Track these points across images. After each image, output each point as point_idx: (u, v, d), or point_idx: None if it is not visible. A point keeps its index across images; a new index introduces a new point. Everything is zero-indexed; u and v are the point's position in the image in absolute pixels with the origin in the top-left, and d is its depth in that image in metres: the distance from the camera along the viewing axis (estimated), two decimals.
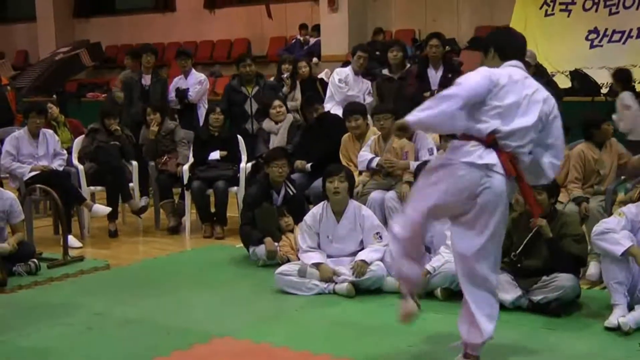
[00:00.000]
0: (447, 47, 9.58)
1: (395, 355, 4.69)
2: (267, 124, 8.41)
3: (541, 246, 5.39)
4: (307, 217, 6.22)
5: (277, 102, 8.41)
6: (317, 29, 15.57)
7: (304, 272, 5.94)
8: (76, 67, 17.78)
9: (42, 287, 6.42)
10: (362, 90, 9.10)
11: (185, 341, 4.94)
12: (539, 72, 7.87)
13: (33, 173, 7.91)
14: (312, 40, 15.57)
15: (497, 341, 4.81)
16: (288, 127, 8.35)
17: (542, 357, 4.64)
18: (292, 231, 6.73)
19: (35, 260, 6.69)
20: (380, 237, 5.98)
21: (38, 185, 7.51)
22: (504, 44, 4.40)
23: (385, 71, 8.88)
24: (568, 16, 12.15)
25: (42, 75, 16.79)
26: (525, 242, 5.42)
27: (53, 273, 6.70)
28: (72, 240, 7.63)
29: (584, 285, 5.73)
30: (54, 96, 12.44)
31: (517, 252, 5.42)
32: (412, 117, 4.06)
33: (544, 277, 5.26)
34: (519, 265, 5.41)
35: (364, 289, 5.85)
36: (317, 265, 5.96)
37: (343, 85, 9.00)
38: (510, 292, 5.30)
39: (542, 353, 4.69)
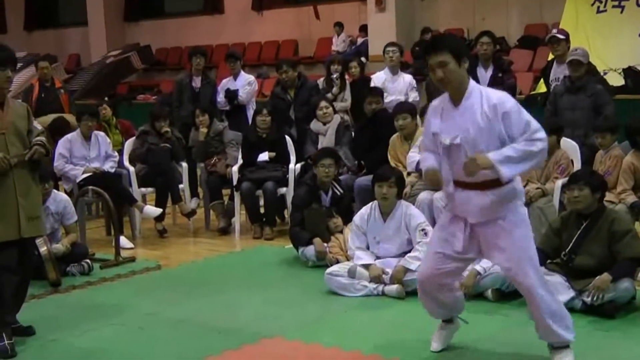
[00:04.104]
0: (497, 45, 9.45)
1: (446, 357, 4.65)
2: (314, 125, 8.37)
3: (593, 244, 5.29)
4: (356, 218, 6.20)
5: (323, 103, 8.36)
6: (364, 29, 15.55)
7: (354, 273, 5.92)
8: (127, 70, 18.11)
9: (95, 287, 6.51)
10: (404, 88, 8.84)
11: (235, 341, 4.97)
12: (590, 71, 7.70)
13: (85, 175, 8.03)
14: (360, 40, 15.55)
15: None
16: (336, 128, 8.32)
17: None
18: (341, 232, 6.71)
19: (88, 260, 6.81)
20: (425, 233, 5.82)
21: (90, 187, 7.61)
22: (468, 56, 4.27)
23: None
24: (621, 12, 11.90)
25: (94, 78, 17.10)
26: (574, 239, 5.34)
27: (105, 273, 6.80)
28: (124, 241, 7.73)
29: (639, 287, 5.63)
30: (106, 99, 12.58)
31: (567, 250, 5.35)
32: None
33: (598, 277, 5.17)
34: (570, 265, 5.32)
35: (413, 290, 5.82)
36: (366, 266, 5.95)
37: None
38: (563, 294, 5.21)
39: (596, 355, 4.63)
